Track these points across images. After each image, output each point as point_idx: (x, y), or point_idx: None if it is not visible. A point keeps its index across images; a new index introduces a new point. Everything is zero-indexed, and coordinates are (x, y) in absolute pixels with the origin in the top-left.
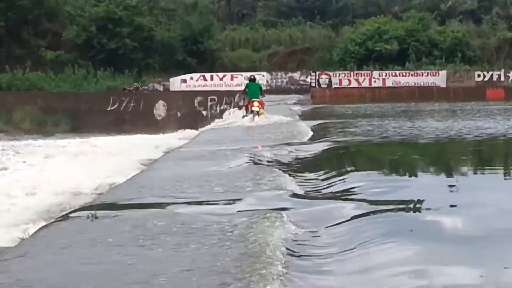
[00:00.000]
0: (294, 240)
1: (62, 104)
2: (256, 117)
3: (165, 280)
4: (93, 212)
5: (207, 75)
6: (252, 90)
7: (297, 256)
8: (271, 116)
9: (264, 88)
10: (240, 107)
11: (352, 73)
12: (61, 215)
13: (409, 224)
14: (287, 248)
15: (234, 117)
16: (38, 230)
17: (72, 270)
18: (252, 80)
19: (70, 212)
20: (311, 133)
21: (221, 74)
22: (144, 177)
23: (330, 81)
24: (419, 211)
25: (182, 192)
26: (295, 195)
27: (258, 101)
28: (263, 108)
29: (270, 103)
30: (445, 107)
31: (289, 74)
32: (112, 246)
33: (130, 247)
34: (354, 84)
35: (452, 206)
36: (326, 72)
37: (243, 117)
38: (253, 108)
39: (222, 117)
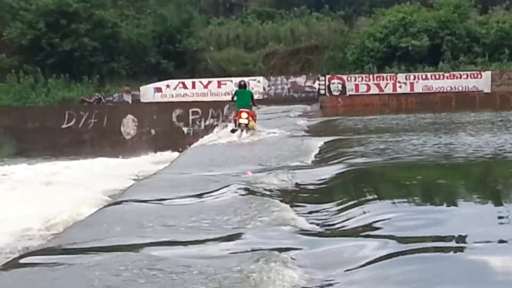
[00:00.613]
0: None
1: (4, 121)
2: (244, 133)
3: None
4: None
5: (188, 82)
6: (241, 99)
7: None
8: (262, 130)
9: (260, 97)
10: (229, 121)
11: (371, 76)
12: (5, 262)
13: (450, 267)
14: None
15: (224, 132)
16: None
17: None
18: (242, 86)
19: (16, 259)
20: (320, 153)
21: (205, 81)
22: (109, 213)
23: (343, 87)
24: (461, 251)
25: (158, 230)
26: (302, 231)
27: (247, 112)
28: (254, 121)
29: (268, 116)
30: (488, 117)
31: (292, 79)
32: None
33: None
34: (374, 90)
35: (501, 241)
36: (339, 75)
37: (232, 131)
38: (241, 120)
39: (207, 134)
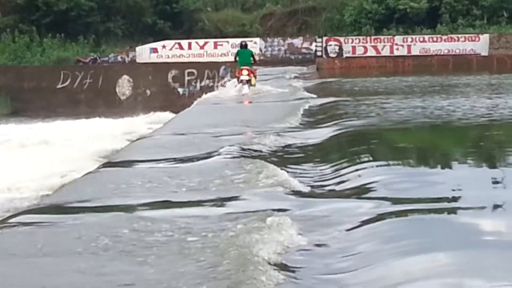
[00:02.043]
0: (297, 251)
1: None
2: (246, 87)
3: None
4: None
5: (184, 43)
6: (243, 58)
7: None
8: (261, 87)
9: (256, 58)
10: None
11: (368, 38)
12: None
13: (443, 228)
14: (279, 267)
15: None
16: None
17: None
18: (243, 46)
19: (8, 218)
20: (314, 115)
21: (201, 41)
22: (103, 173)
23: (340, 48)
24: (455, 212)
25: (152, 191)
26: (296, 193)
27: (248, 69)
28: (255, 78)
29: (264, 77)
30: (486, 80)
31: (289, 41)
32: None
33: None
34: (371, 52)
35: (496, 206)
36: (336, 37)
37: (235, 87)
38: (242, 77)
39: (201, 95)
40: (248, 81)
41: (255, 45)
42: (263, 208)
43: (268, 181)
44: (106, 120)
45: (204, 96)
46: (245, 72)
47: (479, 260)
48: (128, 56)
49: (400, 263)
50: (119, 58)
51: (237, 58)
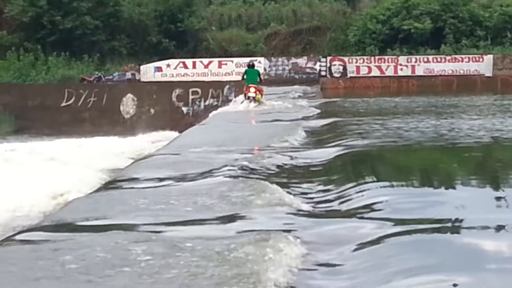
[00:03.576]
0: (297, 271)
1: (3, 99)
2: (252, 103)
3: None
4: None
5: (189, 62)
6: (250, 76)
7: None
8: (269, 102)
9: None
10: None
11: (373, 58)
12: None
13: (446, 249)
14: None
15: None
16: None
17: None
18: (251, 66)
19: (12, 235)
20: (317, 135)
21: (206, 61)
22: (107, 191)
23: (344, 68)
24: (459, 233)
25: (156, 210)
26: (299, 212)
27: (255, 87)
28: (261, 95)
29: (268, 96)
30: (489, 101)
31: (293, 60)
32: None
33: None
34: (375, 72)
35: (499, 227)
36: (340, 57)
37: (242, 103)
38: (249, 94)
39: (206, 114)
40: (254, 98)
41: (259, 64)
42: (267, 228)
43: (271, 201)
44: (110, 139)
45: (214, 112)
46: (252, 89)
47: (482, 282)
48: (139, 72)
49: (404, 283)
50: (128, 75)
51: (245, 77)
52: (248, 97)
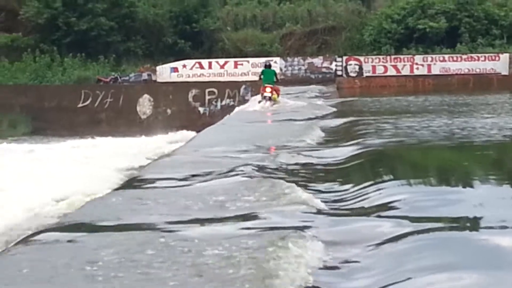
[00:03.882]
0: (317, 269)
1: (20, 100)
2: (268, 102)
3: None
4: None
5: (204, 62)
6: (267, 77)
7: None
8: (286, 102)
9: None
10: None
11: (388, 58)
12: (18, 239)
13: (463, 248)
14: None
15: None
16: None
17: None
18: (267, 66)
19: (31, 235)
20: (335, 134)
21: (222, 61)
22: (125, 191)
23: (360, 68)
24: (476, 231)
25: (174, 209)
26: (317, 211)
27: (271, 87)
28: (278, 95)
29: (284, 96)
30: (506, 99)
31: (309, 60)
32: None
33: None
34: (391, 71)
35: None
36: (356, 57)
37: (259, 102)
38: (265, 94)
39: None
40: (270, 98)
41: (275, 64)
42: (285, 226)
43: (289, 200)
44: (127, 139)
45: (234, 110)
46: (268, 89)
47: (501, 281)
48: (155, 73)
49: (423, 280)
50: (144, 76)
51: (262, 77)
52: (265, 97)
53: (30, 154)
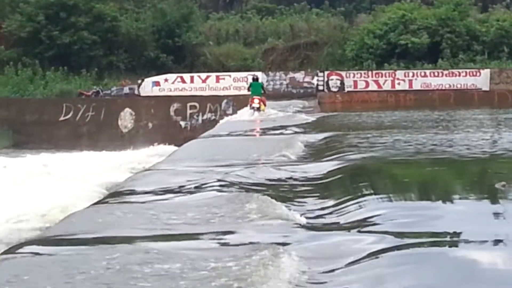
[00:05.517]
0: (296, 285)
1: (1, 113)
2: (256, 113)
3: None
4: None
5: (186, 76)
6: (255, 89)
7: None
8: (270, 112)
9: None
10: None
11: (370, 73)
12: None
13: (442, 264)
14: None
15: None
16: None
17: None
18: (255, 79)
19: (9, 249)
20: (315, 149)
21: (203, 75)
22: (105, 205)
23: (342, 83)
24: (456, 246)
25: (153, 224)
26: (296, 226)
27: (259, 98)
28: (264, 105)
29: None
30: (487, 115)
31: (290, 75)
32: None
33: None
34: (372, 87)
35: (497, 241)
36: (337, 72)
37: (248, 112)
38: (253, 105)
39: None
40: (258, 108)
41: None
42: (263, 241)
43: (268, 215)
44: (108, 153)
45: (222, 121)
46: (256, 100)
47: None
48: (138, 87)
49: None
50: (126, 90)
51: (250, 89)
52: (253, 107)
53: (9, 169)
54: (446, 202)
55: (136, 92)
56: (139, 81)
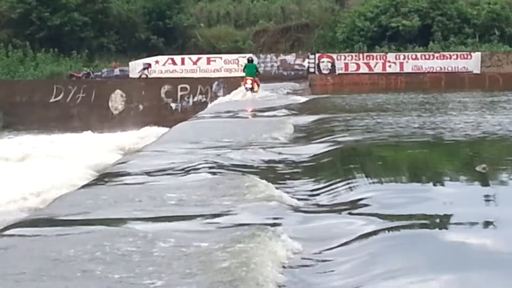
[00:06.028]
0: (288, 267)
1: None
2: (248, 93)
3: None
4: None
5: (177, 58)
6: (249, 70)
7: None
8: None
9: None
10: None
11: (361, 55)
12: None
13: (432, 246)
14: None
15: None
16: None
17: None
18: (250, 61)
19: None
20: (305, 131)
21: (194, 57)
22: (95, 187)
23: (333, 65)
24: (446, 228)
25: (144, 205)
26: (287, 208)
27: (252, 79)
28: (258, 86)
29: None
30: (478, 98)
31: (281, 57)
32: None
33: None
34: (363, 69)
35: (488, 222)
36: (328, 54)
37: (241, 92)
38: (246, 85)
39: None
40: (251, 89)
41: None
42: (255, 222)
43: (259, 196)
44: (99, 135)
45: (215, 102)
46: (249, 81)
47: (468, 281)
48: (128, 68)
49: (393, 282)
50: (117, 71)
51: (245, 70)
52: (246, 88)
53: (2, 150)
54: (436, 185)
55: (125, 73)
56: (122, 63)
